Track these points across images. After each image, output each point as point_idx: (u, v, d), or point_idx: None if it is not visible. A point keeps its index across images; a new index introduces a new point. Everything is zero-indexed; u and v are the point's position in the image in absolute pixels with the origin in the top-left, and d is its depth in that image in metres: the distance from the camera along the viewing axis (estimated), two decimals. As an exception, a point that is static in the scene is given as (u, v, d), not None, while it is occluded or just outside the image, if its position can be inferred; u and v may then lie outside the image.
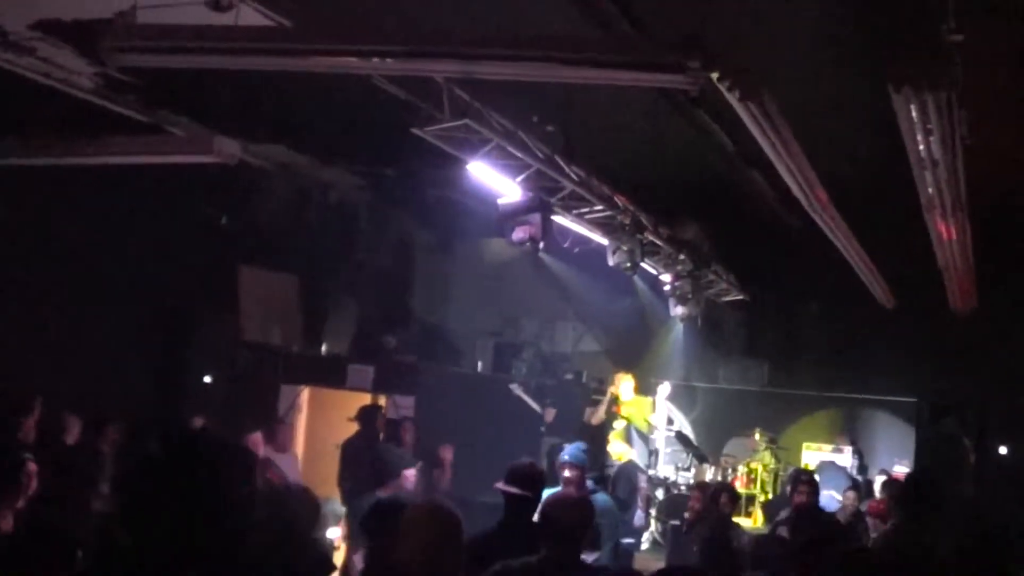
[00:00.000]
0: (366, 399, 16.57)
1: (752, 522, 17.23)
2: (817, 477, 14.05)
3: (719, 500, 12.56)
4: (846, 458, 19.15)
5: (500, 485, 7.81)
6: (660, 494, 17.96)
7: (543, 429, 18.59)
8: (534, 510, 7.45)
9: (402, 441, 14.31)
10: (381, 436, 14.22)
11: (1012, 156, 12.63)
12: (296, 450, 16.34)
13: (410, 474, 12.20)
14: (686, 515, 13.70)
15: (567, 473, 10.39)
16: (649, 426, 18.00)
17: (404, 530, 5.65)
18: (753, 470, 18.42)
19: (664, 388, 18.47)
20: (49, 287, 14.11)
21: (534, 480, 7.76)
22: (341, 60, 9.39)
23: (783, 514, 12.51)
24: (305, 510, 7.11)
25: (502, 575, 6.37)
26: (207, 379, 16.98)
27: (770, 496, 17.89)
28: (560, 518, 6.53)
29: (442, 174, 14.06)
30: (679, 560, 11.78)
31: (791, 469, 16.80)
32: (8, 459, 8.21)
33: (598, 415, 17.41)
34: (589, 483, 10.97)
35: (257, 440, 13.85)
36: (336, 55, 9.22)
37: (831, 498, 15.59)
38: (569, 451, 10.81)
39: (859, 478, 18.42)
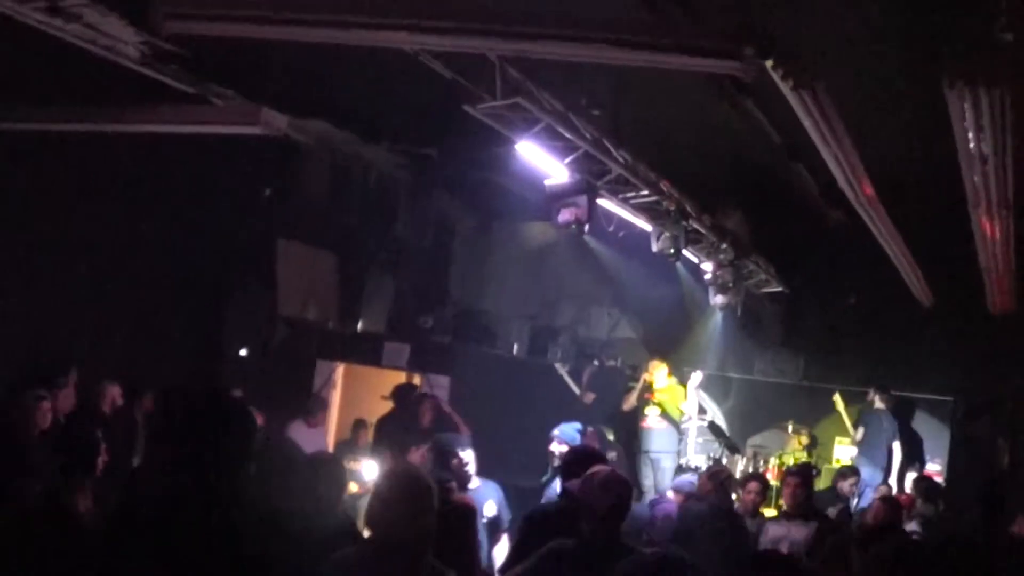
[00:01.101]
0: (401, 377, 16.65)
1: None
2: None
3: (726, 486, 12.63)
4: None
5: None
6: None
7: (586, 400, 18.62)
8: None
9: (420, 419, 14.40)
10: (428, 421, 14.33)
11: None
12: (329, 425, 16.42)
13: (418, 454, 12.22)
14: None
15: (553, 450, 10.76)
16: (681, 414, 17.94)
17: (377, 494, 5.79)
18: (784, 462, 18.36)
19: (696, 377, 18.35)
20: (88, 256, 14.16)
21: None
22: (391, 35, 9.37)
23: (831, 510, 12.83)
24: (330, 479, 7.21)
25: (548, 557, 6.46)
26: (243, 352, 17.05)
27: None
28: (597, 498, 6.59)
29: (484, 156, 14.06)
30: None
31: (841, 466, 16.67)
32: (84, 438, 8.30)
33: (630, 401, 17.46)
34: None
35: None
36: (387, 29, 9.20)
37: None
38: (562, 429, 10.92)
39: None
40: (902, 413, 18.94)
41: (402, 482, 5.88)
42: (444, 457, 9.87)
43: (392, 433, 14.04)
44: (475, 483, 10.30)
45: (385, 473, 6.18)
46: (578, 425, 11.49)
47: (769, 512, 16.21)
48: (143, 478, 7.31)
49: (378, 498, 5.79)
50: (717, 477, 12.57)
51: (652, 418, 17.45)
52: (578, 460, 8.04)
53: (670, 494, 13.01)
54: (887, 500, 12.28)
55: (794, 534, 10.58)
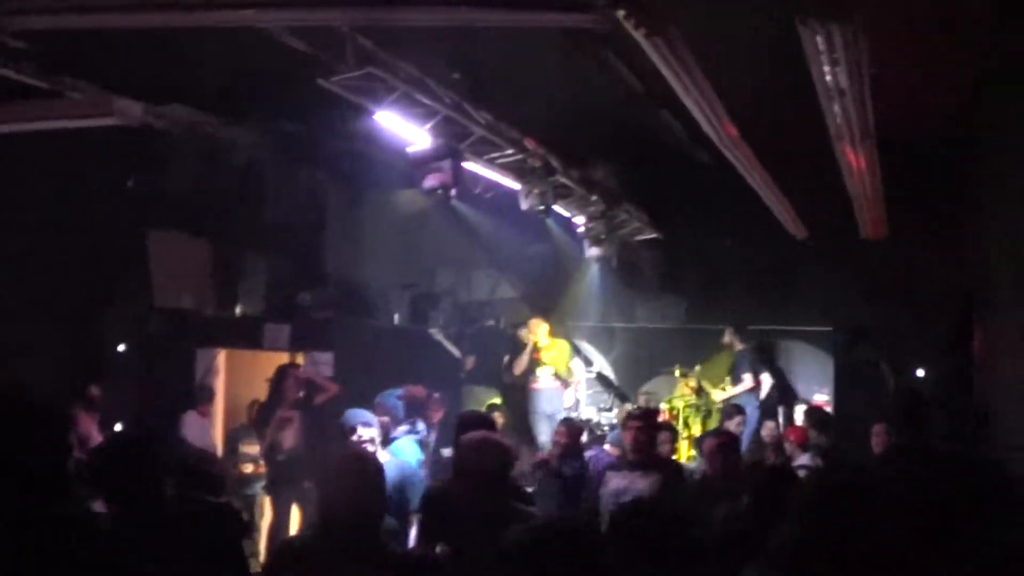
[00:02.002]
0: (284, 358, 16.52)
1: (678, 457, 17.30)
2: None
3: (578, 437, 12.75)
4: (765, 389, 19.30)
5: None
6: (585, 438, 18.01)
7: (463, 376, 18.64)
8: None
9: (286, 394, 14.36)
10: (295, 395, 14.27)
11: (918, 84, 12.70)
12: (217, 412, 16.29)
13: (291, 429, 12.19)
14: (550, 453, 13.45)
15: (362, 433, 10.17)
16: (569, 371, 18.00)
17: (329, 477, 5.79)
18: (675, 407, 18.48)
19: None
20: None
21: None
22: (237, 14, 9.25)
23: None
24: (209, 474, 7.22)
25: (436, 531, 6.46)
26: (121, 347, 16.79)
27: (699, 431, 17.89)
28: (472, 462, 6.59)
29: (351, 127, 13.92)
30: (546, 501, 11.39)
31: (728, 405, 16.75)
32: None
33: (520, 365, 17.47)
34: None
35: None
36: (231, 8, 9.08)
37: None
38: (381, 399, 10.83)
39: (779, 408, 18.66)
40: (766, 348, 19.19)
41: (345, 466, 5.87)
42: (343, 434, 9.84)
43: (264, 412, 14.00)
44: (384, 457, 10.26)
45: (334, 459, 6.13)
46: (398, 391, 11.48)
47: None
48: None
49: (325, 484, 5.82)
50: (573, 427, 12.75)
51: (544, 379, 17.50)
52: (465, 427, 8.03)
53: (607, 447, 13.36)
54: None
55: (638, 484, 9.68)
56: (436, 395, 14.93)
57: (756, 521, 6.20)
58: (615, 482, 9.91)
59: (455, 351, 18.83)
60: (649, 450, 10.20)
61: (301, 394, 14.44)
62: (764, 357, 18.87)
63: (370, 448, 9.89)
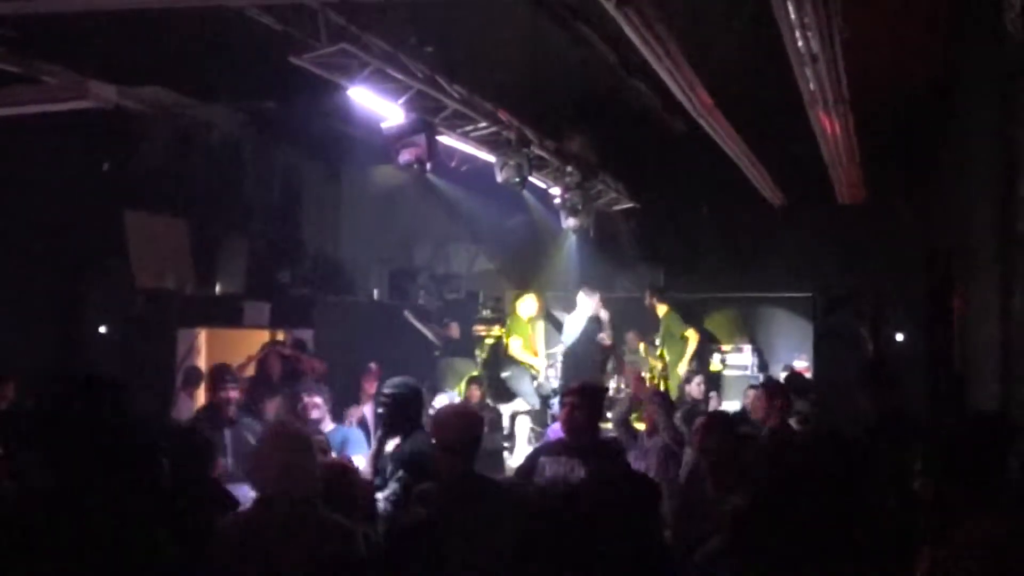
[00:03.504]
0: (265, 336, 16.55)
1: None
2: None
3: None
4: (746, 357, 19.38)
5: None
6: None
7: (437, 353, 18.68)
8: None
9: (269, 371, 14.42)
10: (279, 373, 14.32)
11: (890, 46, 12.73)
12: (199, 391, 16.30)
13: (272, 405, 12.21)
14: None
15: None
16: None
17: (260, 451, 5.89)
18: (654, 377, 18.54)
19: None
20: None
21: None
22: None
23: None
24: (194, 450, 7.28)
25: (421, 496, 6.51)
26: (102, 329, 16.79)
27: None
28: (448, 433, 6.63)
29: (326, 104, 13.91)
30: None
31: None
32: None
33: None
34: None
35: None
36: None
37: None
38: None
39: (760, 375, 18.71)
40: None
41: (275, 437, 5.96)
42: (291, 404, 9.89)
43: (250, 391, 14.02)
44: (329, 426, 10.35)
45: (262, 432, 6.18)
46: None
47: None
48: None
49: (255, 457, 5.91)
50: None
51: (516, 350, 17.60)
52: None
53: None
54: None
55: (578, 474, 7.97)
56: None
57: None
58: (551, 469, 8.25)
59: (428, 332, 18.84)
60: (588, 432, 8.35)
61: (276, 370, 14.49)
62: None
63: (316, 417, 10.07)
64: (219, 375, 11.16)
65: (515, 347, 17.41)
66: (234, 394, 10.90)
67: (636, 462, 10.58)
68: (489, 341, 19.32)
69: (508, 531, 5.53)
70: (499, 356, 17.91)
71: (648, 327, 19.40)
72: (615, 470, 6.95)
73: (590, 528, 5.06)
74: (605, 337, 17.42)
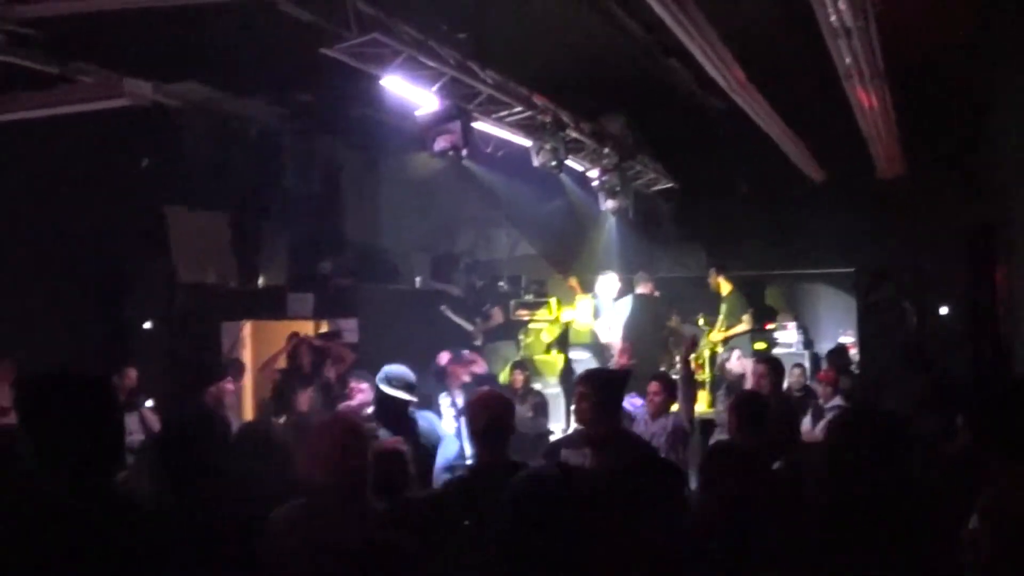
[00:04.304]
0: (309, 327, 16.62)
1: (705, 406, 17.33)
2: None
3: None
4: (791, 334, 19.26)
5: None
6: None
7: (477, 343, 18.68)
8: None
9: (300, 362, 14.47)
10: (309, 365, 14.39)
11: (926, 18, 12.64)
12: (246, 383, 16.38)
13: (304, 397, 12.25)
14: None
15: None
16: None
17: (311, 442, 5.83)
18: (700, 355, 18.49)
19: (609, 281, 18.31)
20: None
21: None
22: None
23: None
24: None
25: (447, 490, 6.52)
26: (147, 325, 16.89)
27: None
28: (474, 419, 6.63)
29: (362, 93, 13.92)
30: None
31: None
32: None
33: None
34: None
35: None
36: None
37: None
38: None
39: (806, 352, 18.65)
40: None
41: (326, 428, 5.94)
42: (324, 394, 10.01)
43: (282, 383, 14.05)
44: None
45: (315, 424, 6.18)
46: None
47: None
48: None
49: (307, 449, 5.85)
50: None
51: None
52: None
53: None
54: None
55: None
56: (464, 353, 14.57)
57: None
58: (573, 461, 7.86)
59: (465, 324, 18.81)
60: (601, 422, 7.65)
61: (307, 362, 14.57)
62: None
63: (361, 402, 10.12)
64: None
65: (601, 328, 17.60)
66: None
67: None
68: (534, 326, 19.35)
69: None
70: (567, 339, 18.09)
71: (690, 307, 19.33)
72: (627, 459, 6.55)
73: (585, 517, 4.99)
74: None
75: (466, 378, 13.43)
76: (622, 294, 17.90)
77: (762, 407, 8.24)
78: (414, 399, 9.17)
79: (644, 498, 5.14)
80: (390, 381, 9.11)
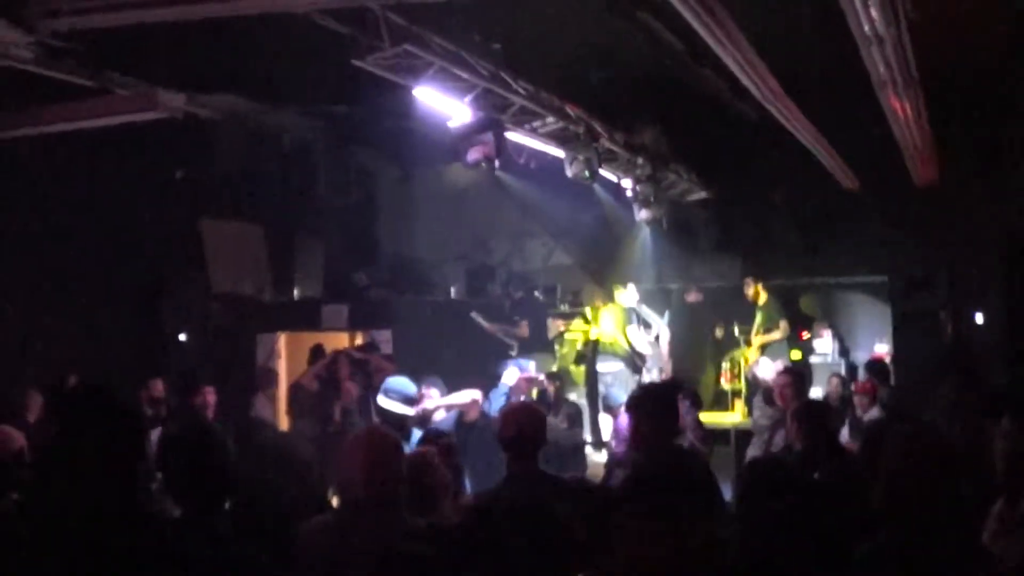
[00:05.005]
0: (344, 339, 16.64)
1: (740, 416, 17.30)
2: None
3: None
4: (827, 343, 19.20)
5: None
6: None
7: (513, 354, 18.65)
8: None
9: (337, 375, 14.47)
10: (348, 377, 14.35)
11: (959, 27, 12.58)
12: (280, 394, 16.41)
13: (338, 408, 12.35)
14: None
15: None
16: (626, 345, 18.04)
17: (345, 455, 5.78)
18: (736, 364, 18.46)
19: (628, 293, 18.34)
20: (12, 266, 14.11)
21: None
22: (271, 2, 9.33)
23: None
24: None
25: (479, 506, 6.52)
26: (182, 337, 16.97)
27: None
28: (504, 429, 6.65)
29: (396, 105, 13.96)
30: None
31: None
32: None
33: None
34: None
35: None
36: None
37: None
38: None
39: (841, 361, 18.60)
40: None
41: (360, 441, 5.89)
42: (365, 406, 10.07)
43: (319, 395, 14.00)
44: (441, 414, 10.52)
45: (348, 438, 6.17)
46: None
47: (729, 416, 16.37)
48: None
49: (340, 462, 5.82)
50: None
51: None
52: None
53: None
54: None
55: None
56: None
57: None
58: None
59: (499, 333, 18.75)
60: (646, 441, 7.15)
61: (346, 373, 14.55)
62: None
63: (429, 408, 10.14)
64: None
65: (635, 336, 17.61)
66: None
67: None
68: (569, 336, 19.36)
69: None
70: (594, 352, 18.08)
71: (725, 316, 19.31)
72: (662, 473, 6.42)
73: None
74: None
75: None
76: (657, 304, 17.90)
77: (824, 413, 8.36)
78: (410, 412, 9.22)
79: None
80: (387, 394, 9.24)
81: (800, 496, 5.62)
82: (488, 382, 12.02)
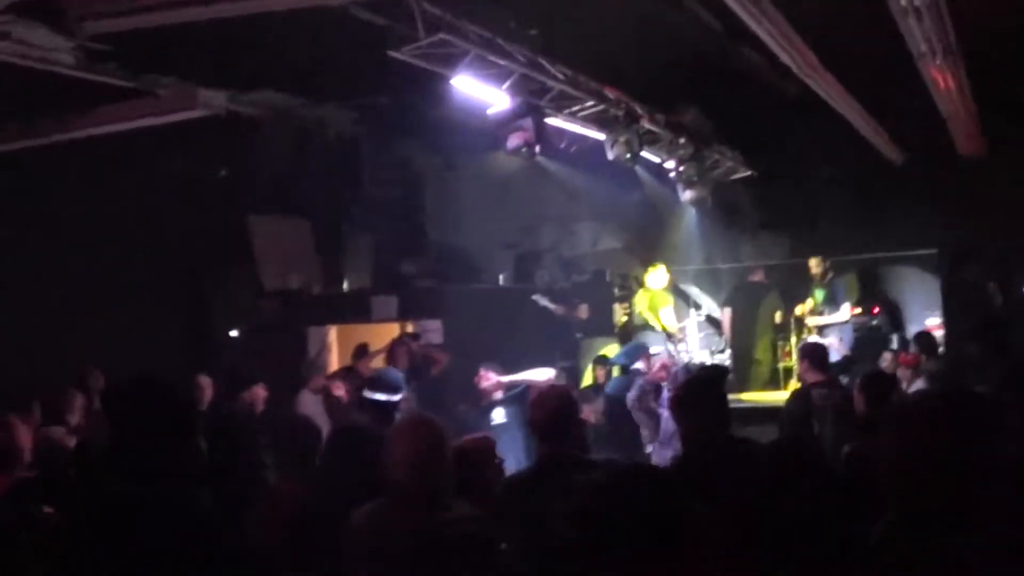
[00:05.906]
0: (394, 330, 16.68)
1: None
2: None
3: None
4: (878, 318, 19.08)
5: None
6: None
7: (579, 335, 18.65)
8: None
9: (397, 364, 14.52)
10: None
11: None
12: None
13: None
14: None
15: None
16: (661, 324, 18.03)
17: (391, 442, 5.78)
18: (801, 339, 18.34)
19: (658, 274, 18.33)
20: (63, 267, 14.24)
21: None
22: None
23: None
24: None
25: (505, 490, 6.56)
26: (233, 333, 17.08)
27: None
28: (534, 414, 6.69)
29: (436, 95, 13.99)
30: None
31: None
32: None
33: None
34: None
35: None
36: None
37: None
38: None
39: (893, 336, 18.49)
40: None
41: (406, 429, 5.93)
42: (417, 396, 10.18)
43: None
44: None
45: (404, 426, 6.19)
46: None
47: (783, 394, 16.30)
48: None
49: (389, 449, 5.79)
50: None
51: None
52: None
53: None
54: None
55: None
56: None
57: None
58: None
59: (561, 311, 18.72)
60: (684, 427, 7.07)
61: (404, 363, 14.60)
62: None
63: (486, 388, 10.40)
64: None
65: (666, 317, 17.62)
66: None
67: (662, 449, 10.68)
68: (623, 318, 19.38)
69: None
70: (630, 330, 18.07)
71: (782, 293, 19.24)
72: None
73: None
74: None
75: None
76: (707, 284, 17.89)
77: (887, 383, 8.57)
78: (394, 398, 9.28)
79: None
80: (371, 384, 9.35)
81: (819, 479, 5.64)
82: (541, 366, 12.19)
